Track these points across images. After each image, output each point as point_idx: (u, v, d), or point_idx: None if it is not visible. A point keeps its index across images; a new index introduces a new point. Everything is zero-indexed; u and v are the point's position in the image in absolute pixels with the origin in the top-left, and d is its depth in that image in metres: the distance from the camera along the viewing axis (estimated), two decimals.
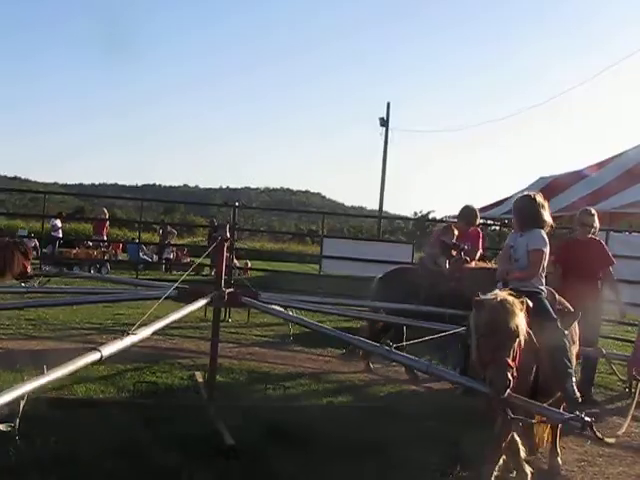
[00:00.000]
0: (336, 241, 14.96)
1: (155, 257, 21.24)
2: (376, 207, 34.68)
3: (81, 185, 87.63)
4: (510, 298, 3.69)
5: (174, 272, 18.88)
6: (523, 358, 3.70)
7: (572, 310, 4.62)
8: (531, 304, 4.01)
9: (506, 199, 19.10)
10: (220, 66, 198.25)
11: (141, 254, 19.46)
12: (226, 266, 7.63)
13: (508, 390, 3.49)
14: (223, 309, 9.25)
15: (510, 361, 3.52)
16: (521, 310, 3.67)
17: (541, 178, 20.03)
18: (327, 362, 7.96)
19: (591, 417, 3.45)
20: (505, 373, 3.47)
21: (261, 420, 5.12)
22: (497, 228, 20.58)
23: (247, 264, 17.38)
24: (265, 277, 15.23)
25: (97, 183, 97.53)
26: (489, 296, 3.74)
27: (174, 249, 21.19)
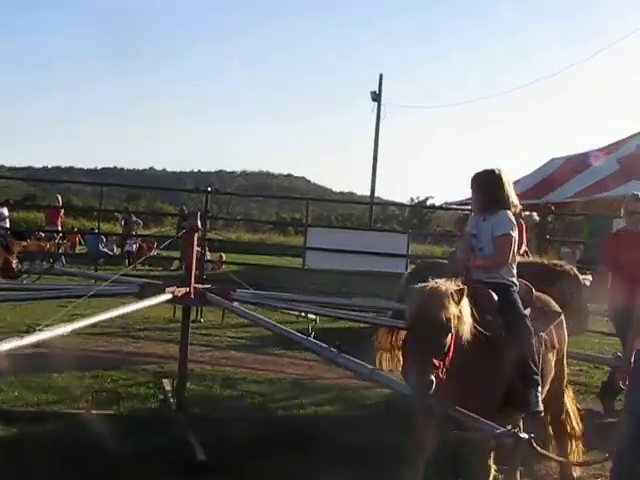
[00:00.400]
0: (322, 231, 14.94)
1: (117, 250, 21.14)
2: (367, 192, 34.75)
3: (31, 168, 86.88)
4: (445, 286, 3.51)
5: (138, 266, 18.78)
6: (477, 360, 3.58)
7: (555, 310, 4.50)
8: (496, 297, 3.95)
9: (515, 182, 19.19)
10: (192, 36, 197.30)
11: (101, 246, 19.34)
12: (197, 260, 7.63)
13: (431, 391, 3.29)
14: (194, 308, 9.26)
15: (437, 360, 3.33)
16: (458, 301, 3.48)
17: (553, 159, 20.14)
18: (312, 367, 7.97)
19: (530, 433, 3.29)
20: (427, 374, 3.27)
21: (237, 433, 5.13)
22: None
23: (221, 257, 17.38)
24: (242, 272, 15.20)
25: (49, 166, 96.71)
26: (422, 284, 3.57)
27: (138, 241, 21.09)
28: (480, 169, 4.38)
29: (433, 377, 3.28)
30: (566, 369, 4.70)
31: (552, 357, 4.35)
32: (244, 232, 36.12)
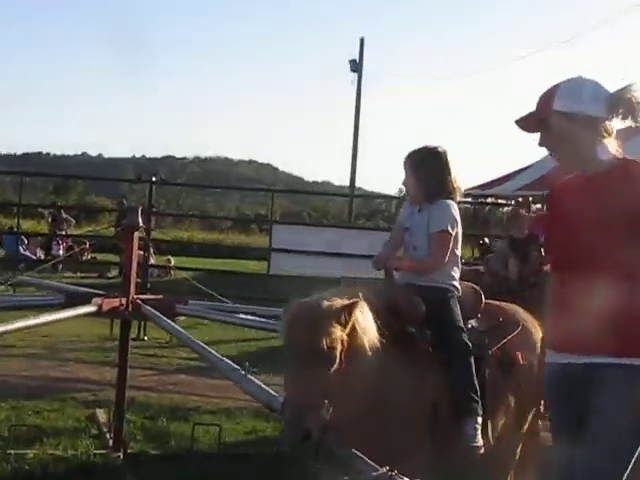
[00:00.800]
0: (291, 229, 14.96)
1: (41, 253, 20.95)
2: (346, 182, 34.85)
3: None
4: (329, 302, 3.26)
5: (67, 273, 18.67)
6: (389, 383, 3.44)
7: (515, 320, 4.25)
8: (423, 305, 3.79)
9: (521, 170, 19.40)
10: None
11: (21, 249, 19.15)
12: (139, 264, 7.60)
13: (310, 440, 3.03)
14: (136, 324, 9.22)
15: (317, 399, 3.09)
16: (346, 321, 3.23)
17: None
18: (277, 392, 7.97)
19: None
20: (302, 420, 3.03)
21: (187, 473, 5.12)
22: (509, 210, 20.89)
23: (170, 261, 17.28)
24: (195, 279, 15.19)
25: None
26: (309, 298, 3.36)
27: (66, 242, 20.93)
28: (417, 146, 4.17)
29: (311, 423, 3.02)
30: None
31: (508, 381, 4.05)
32: (198, 231, 36.05)
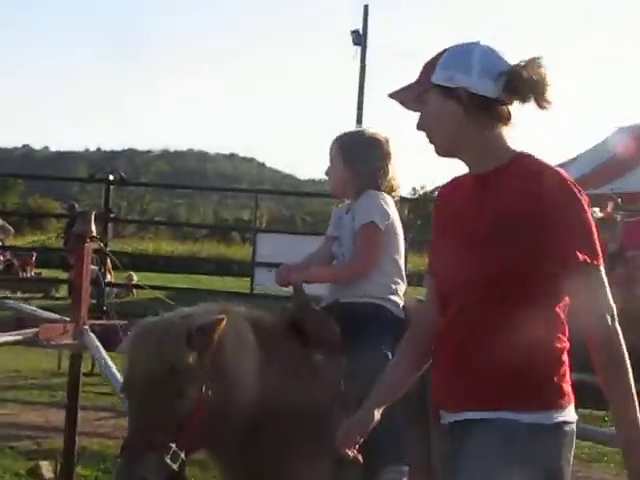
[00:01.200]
0: (281, 238, 14.95)
1: None
2: None
3: None
4: (186, 320, 3.16)
5: (5, 292, 18.68)
6: (284, 423, 3.32)
7: None
8: (337, 328, 3.64)
9: (564, 164, 19.40)
10: None
11: None
12: (93, 282, 7.57)
13: None
14: (91, 357, 9.20)
15: (162, 438, 2.98)
16: (205, 343, 3.08)
17: (620, 129, 20.40)
18: None
19: None
20: (135, 464, 2.93)
21: None
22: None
23: (131, 278, 17.28)
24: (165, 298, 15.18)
25: None
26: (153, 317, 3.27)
27: (4, 255, 20.94)
28: (348, 129, 4.06)
29: (147, 471, 2.93)
30: None
31: None
32: (166, 241, 36.10)
